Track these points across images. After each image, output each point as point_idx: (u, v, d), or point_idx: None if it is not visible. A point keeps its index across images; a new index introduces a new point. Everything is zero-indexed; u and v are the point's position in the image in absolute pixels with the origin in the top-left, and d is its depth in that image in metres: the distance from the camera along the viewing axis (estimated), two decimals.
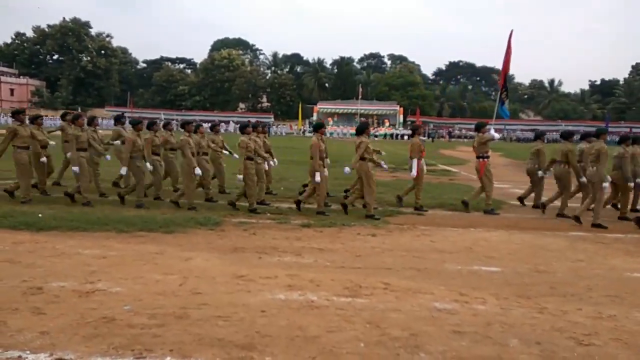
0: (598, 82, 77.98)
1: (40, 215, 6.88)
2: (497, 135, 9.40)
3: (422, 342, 3.20)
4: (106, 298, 3.81)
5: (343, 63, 75.41)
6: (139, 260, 4.90)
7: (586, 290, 4.58)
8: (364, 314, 3.65)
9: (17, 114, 8.47)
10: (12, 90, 68.07)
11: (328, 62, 77.78)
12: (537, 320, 3.67)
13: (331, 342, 3.15)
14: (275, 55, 79.58)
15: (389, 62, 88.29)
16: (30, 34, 72.48)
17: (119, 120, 10.71)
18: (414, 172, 8.58)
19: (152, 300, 3.79)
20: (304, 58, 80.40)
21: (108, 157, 9.55)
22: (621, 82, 73.05)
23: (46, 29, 70.70)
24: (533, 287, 4.63)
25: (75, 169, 8.18)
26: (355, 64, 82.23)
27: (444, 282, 4.66)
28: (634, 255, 5.97)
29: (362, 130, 8.34)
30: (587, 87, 77.72)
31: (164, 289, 4.04)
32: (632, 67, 72.87)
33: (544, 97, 74.70)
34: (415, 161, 8.58)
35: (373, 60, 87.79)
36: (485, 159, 8.76)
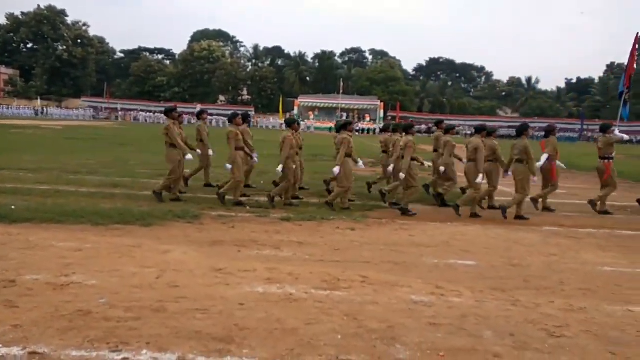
0: (574, 81, 79.53)
1: (13, 207, 6.72)
2: (625, 137, 9.43)
3: (399, 334, 3.24)
4: (81, 291, 3.76)
5: (325, 57, 75.25)
6: (115, 253, 4.84)
7: (558, 283, 4.70)
8: (341, 306, 3.68)
9: (170, 112, 8.25)
10: None
11: (309, 56, 77.57)
12: (510, 312, 3.75)
13: (309, 334, 3.17)
14: (256, 47, 78.91)
15: (370, 57, 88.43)
16: (2, 21, 70.43)
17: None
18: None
19: (129, 293, 3.75)
20: (286, 51, 79.97)
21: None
22: (596, 81, 74.63)
23: (20, 17, 68.70)
24: (507, 280, 4.73)
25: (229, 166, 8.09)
26: (336, 58, 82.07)
27: (421, 275, 4.73)
28: (605, 250, 6.14)
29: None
30: (563, 85, 79.27)
31: (141, 282, 4.00)
32: (607, 66, 74.52)
33: (521, 95, 75.84)
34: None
35: (354, 55, 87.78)
36: (610, 160, 8.80)
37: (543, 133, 9.20)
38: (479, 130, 8.44)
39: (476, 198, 8.17)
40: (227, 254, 5.16)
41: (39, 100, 57.67)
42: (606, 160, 8.83)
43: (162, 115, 56.40)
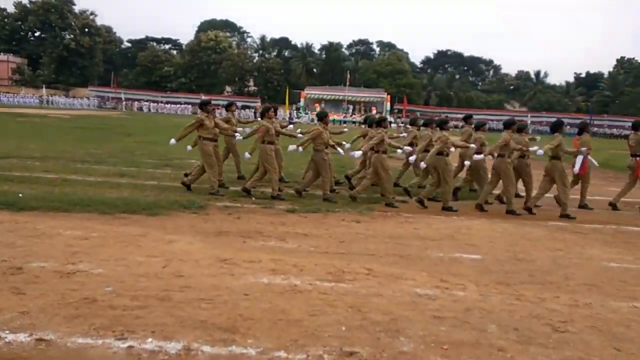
0: (583, 75, 78.74)
1: (20, 195, 6.77)
2: None
3: (403, 326, 3.25)
4: (88, 279, 3.79)
5: (331, 49, 74.85)
6: (121, 242, 4.87)
7: (564, 278, 4.69)
8: (346, 298, 3.69)
9: (205, 105, 8.28)
10: None
11: (316, 48, 77.21)
12: (515, 307, 3.75)
13: (313, 325, 3.18)
14: (263, 38, 78.61)
15: (377, 49, 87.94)
16: (11, 9, 70.50)
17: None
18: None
19: (135, 282, 3.78)
20: (292, 42, 79.59)
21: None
22: (606, 76, 73.88)
23: (28, 5, 68.71)
24: (512, 274, 4.72)
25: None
26: (343, 50, 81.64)
27: (426, 268, 4.72)
28: (611, 246, 6.11)
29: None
30: (572, 80, 78.50)
31: (147, 271, 4.03)
32: (617, 60, 73.70)
33: (529, 89, 75.22)
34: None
35: (362, 47, 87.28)
36: None
37: (572, 128, 9.21)
38: (508, 124, 8.23)
39: (488, 193, 8.16)
40: (233, 245, 5.18)
41: (44, 89, 57.93)
42: (638, 158, 8.79)
43: (166, 105, 57.68)
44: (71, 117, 32.77)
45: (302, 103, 61.30)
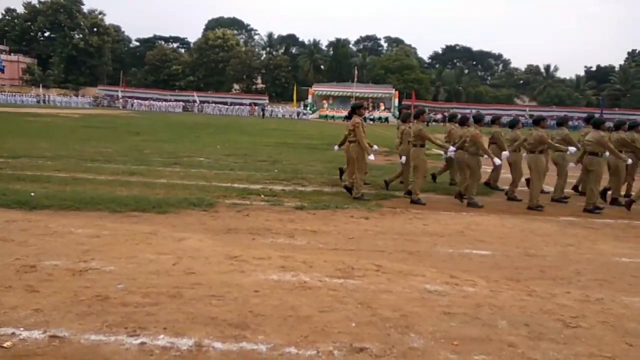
0: (594, 69, 77.92)
1: (32, 194, 6.85)
2: None
3: (413, 322, 3.25)
4: (99, 277, 3.83)
5: (339, 45, 74.72)
6: (132, 240, 4.91)
7: (575, 274, 4.66)
8: (355, 294, 3.70)
9: (358, 109, 8.26)
10: (2, 68, 67.01)
11: (324, 44, 77.15)
12: (525, 302, 3.73)
13: (323, 321, 3.19)
14: (270, 35, 78.73)
15: (385, 45, 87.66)
16: (20, 9, 71.19)
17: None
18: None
19: (146, 279, 3.81)
20: (300, 39, 79.65)
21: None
22: (617, 69, 73.02)
23: (37, 5, 69.36)
24: (523, 270, 4.69)
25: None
26: (351, 46, 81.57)
27: (435, 264, 4.71)
28: (622, 240, 6.06)
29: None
30: (582, 73, 77.70)
31: (158, 269, 4.06)
32: (628, 53, 72.91)
33: (539, 83, 74.60)
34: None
35: (369, 43, 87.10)
36: None
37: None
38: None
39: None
40: (242, 242, 5.20)
41: (40, 89, 58.68)
42: None
43: (158, 103, 58.33)
44: (81, 116, 33.05)
45: (309, 100, 61.31)
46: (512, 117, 10.72)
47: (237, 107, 61.07)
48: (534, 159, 7.91)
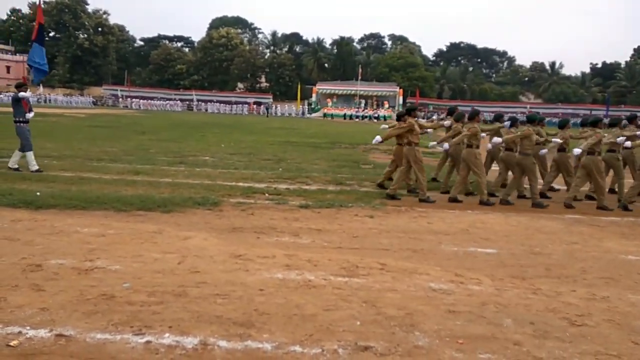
0: (599, 65, 77.38)
1: (38, 193, 6.89)
2: None
3: (417, 321, 3.24)
4: (105, 276, 3.85)
5: (343, 43, 74.56)
6: (137, 239, 4.93)
7: (580, 272, 4.64)
8: (360, 293, 3.70)
9: (413, 111, 8.33)
10: (8, 68, 67.45)
11: (328, 42, 77.01)
12: (531, 300, 3.72)
13: (328, 320, 3.20)
14: (274, 34, 78.66)
15: (389, 43, 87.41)
16: (26, 10, 71.47)
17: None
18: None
19: (151, 278, 3.82)
20: (304, 38, 79.55)
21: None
22: (622, 66, 72.49)
23: (42, 6, 69.64)
24: (528, 268, 4.68)
25: None
26: (355, 44, 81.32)
27: (440, 263, 4.71)
28: (628, 238, 6.02)
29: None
30: (588, 70, 77.21)
31: (163, 268, 4.08)
32: (634, 50, 72.26)
33: (544, 80, 74.14)
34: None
35: (373, 41, 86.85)
36: None
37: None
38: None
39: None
40: (247, 241, 5.21)
41: (41, 88, 59.11)
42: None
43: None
44: (86, 115, 33.18)
45: (314, 98, 61.27)
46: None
47: (237, 106, 61.61)
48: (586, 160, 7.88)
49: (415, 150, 7.92)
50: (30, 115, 9.10)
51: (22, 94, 8.97)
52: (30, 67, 10.07)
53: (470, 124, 8.15)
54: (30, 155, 9.01)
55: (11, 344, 2.75)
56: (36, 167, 8.92)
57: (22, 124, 9.00)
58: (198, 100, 62.87)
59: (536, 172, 8.14)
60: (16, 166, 8.97)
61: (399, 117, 8.94)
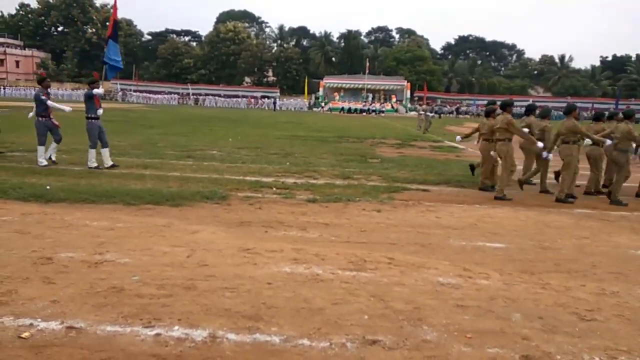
0: (609, 58, 76.49)
1: (48, 187, 6.94)
2: None
3: (425, 315, 3.24)
4: (115, 269, 3.88)
5: (350, 37, 74.29)
6: (146, 233, 4.96)
7: (590, 267, 4.61)
8: (368, 287, 3.70)
9: (508, 106, 8.14)
10: (17, 62, 67.95)
11: (335, 36, 76.77)
12: (540, 295, 3.71)
13: (336, 314, 3.20)
14: (281, 28, 78.51)
15: (397, 36, 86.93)
16: (34, 4, 71.82)
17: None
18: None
19: (160, 271, 3.85)
20: (311, 31, 79.36)
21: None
22: (633, 59, 71.60)
23: (50, 0, 69.90)
24: (537, 263, 4.66)
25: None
26: (362, 37, 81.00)
27: (448, 257, 4.69)
28: (638, 233, 5.97)
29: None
30: (598, 63, 76.33)
31: (172, 261, 4.10)
32: None
33: (554, 73, 73.43)
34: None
35: (381, 34, 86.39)
36: None
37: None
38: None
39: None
40: (255, 235, 5.23)
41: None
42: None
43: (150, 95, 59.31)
44: None
45: (321, 92, 61.14)
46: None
47: (234, 99, 61.67)
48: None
49: (508, 146, 7.76)
50: (100, 111, 9.18)
51: (95, 90, 9.09)
52: (104, 64, 10.03)
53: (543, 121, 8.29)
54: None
55: (23, 335, 2.78)
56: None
57: (93, 120, 9.09)
58: (194, 94, 62.79)
59: (628, 169, 8.00)
60: (95, 164, 8.96)
61: (488, 114, 8.80)
